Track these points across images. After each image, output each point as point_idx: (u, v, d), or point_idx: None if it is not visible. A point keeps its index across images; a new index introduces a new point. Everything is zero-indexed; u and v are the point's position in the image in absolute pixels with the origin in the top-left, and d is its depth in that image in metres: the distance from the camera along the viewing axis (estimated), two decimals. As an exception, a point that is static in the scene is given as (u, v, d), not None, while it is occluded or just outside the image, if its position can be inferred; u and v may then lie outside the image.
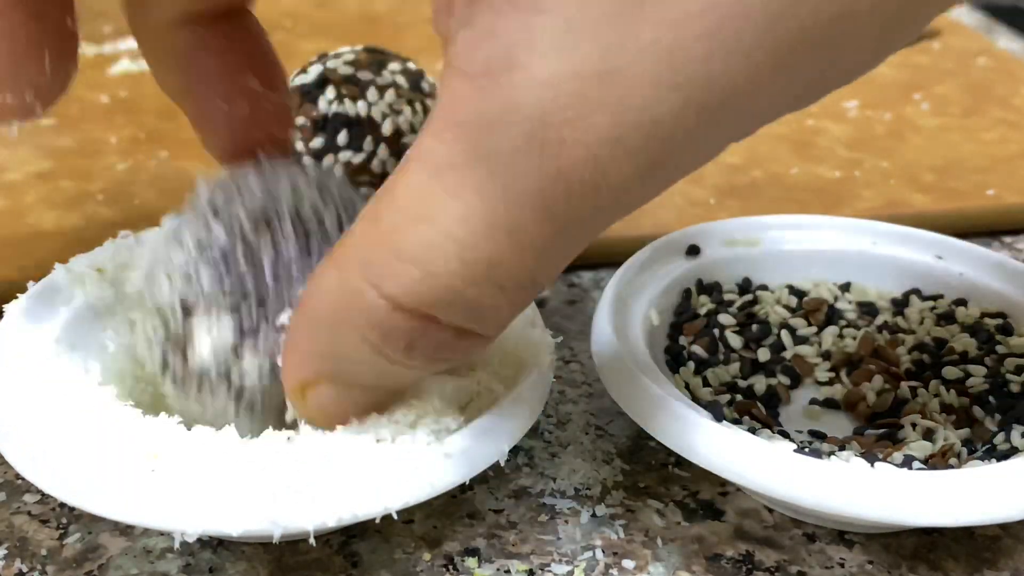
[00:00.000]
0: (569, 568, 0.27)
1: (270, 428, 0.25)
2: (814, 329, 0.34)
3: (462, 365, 0.27)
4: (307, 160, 0.37)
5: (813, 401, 0.32)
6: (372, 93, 0.37)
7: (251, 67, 0.28)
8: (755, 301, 0.35)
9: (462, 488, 0.30)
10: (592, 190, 0.19)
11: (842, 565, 0.28)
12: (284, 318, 0.24)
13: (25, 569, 0.27)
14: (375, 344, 0.21)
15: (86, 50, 0.58)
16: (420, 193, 0.20)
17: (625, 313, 0.31)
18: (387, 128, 0.37)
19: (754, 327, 0.34)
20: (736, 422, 0.29)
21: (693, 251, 0.35)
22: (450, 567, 0.27)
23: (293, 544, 0.28)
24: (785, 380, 0.33)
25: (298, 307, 0.23)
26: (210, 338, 0.24)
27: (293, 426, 0.25)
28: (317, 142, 0.37)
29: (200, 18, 0.27)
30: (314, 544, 0.28)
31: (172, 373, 0.25)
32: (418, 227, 0.20)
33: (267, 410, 0.25)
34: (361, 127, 0.37)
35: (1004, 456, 0.28)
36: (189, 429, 0.24)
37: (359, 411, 0.24)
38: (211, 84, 0.28)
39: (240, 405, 0.25)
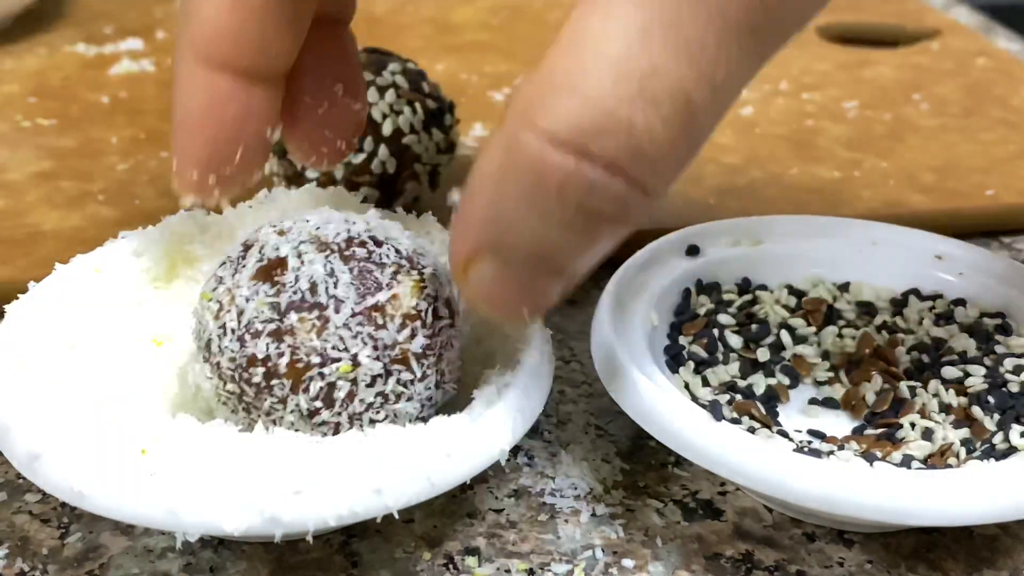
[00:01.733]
0: (569, 567, 0.28)
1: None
2: (813, 329, 0.34)
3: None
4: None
5: (812, 401, 0.32)
6: (372, 93, 0.37)
7: (340, 75, 0.31)
8: (754, 301, 0.35)
9: (462, 488, 0.30)
10: None
11: (841, 564, 0.28)
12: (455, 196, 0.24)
13: (26, 568, 0.27)
14: (531, 193, 0.21)
15: (87, 50, 0.58)
16: (577, 26, 0.21)
17: (625, 313, 0.31)
18: (387, 128, 0.37)
19: (753, 327, 0.34)
20: (735, 422, 0.29)
21: (693, 251, 0.35)
22: (450, 566, 0.28)
23: (293, 543, 0.28)
24: (784, 380, 0.33)
25: (470, 176, 0.23)
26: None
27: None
28: (317, 142, 0.37)
29: (317, 20, 0.29)
30: (314, 543, 0.28)
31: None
32: (571, 55, 0.20)
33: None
34: (361, 127, 0.37)
35: (1003, 456, 0.28)
36: (188, 426, 0.24)
37: (518, 294, 0.24)
38: (301, 78, 0.29)
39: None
